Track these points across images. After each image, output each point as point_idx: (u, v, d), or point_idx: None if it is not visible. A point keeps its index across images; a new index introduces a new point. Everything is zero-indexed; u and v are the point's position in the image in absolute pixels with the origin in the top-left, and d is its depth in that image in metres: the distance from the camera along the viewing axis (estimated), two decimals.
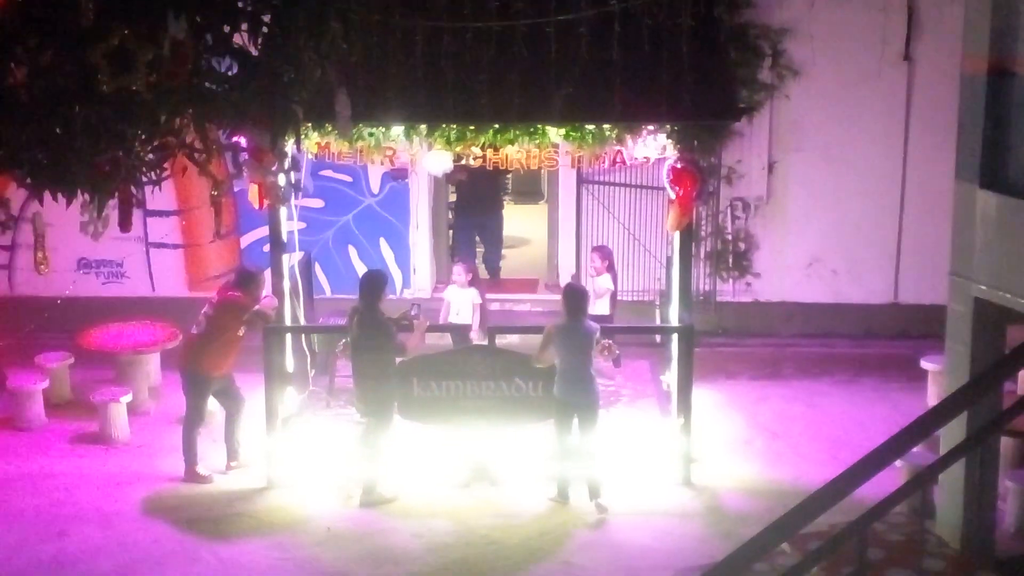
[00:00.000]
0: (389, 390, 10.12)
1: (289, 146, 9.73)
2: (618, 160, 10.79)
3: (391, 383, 10.12)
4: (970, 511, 8.60)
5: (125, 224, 7.20)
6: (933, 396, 12.18)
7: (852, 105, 14.56)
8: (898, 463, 9.14)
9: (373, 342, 10.00)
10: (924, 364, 12.44)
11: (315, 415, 11.36)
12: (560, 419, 10.10)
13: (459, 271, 12.49)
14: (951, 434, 8.11)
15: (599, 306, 12.09)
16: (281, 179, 10.14)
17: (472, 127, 10.34)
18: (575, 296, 10.15)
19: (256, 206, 10.52)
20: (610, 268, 12.51)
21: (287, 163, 10.22)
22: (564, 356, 9.96)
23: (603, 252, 12.70)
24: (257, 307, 10.71)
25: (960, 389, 7.73)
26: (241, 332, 10.73)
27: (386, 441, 10.18)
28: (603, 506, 10.04)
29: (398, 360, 10.24)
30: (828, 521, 7.45)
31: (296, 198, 10.88)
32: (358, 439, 10.26)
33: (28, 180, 6.44)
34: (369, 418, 10.14)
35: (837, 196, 14.82)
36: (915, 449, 8.47)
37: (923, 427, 7.19)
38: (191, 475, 10.70)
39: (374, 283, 10.23)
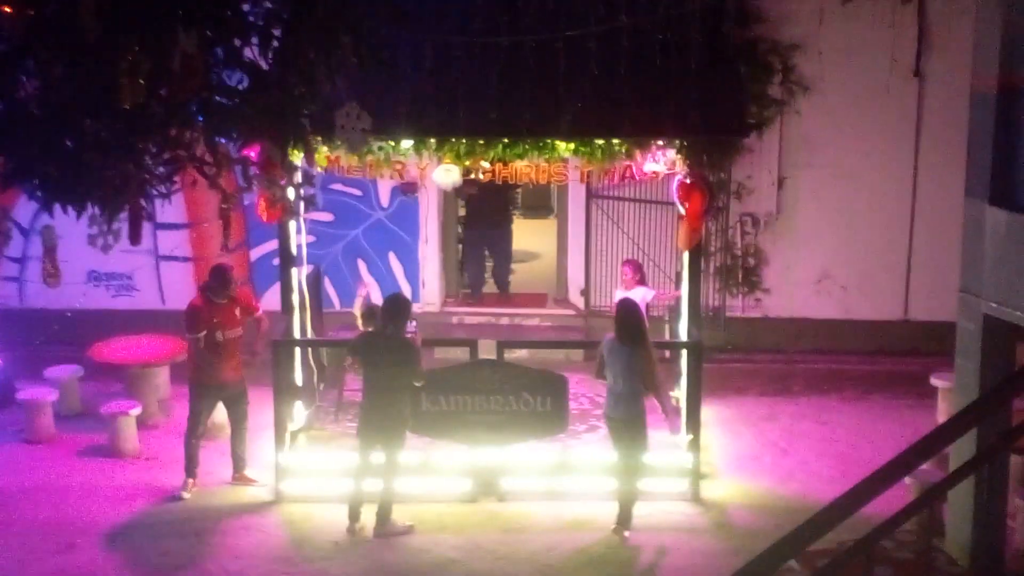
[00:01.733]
0: (406, 416, 9.96)
1: (299, 160, 9.75)
2: (627, 175, 10.80)
3: (407, 409, 9.96)
4: (979, 529, 8.57)
5: (135, 237, 7.22)
6: (943, 413, 12.15)
7: (862, 121, 14.56)
8: (907, 480, 9.09)
9: (397, 368, 9.75)
10: (934, 381, 12.40)
11: (323, 429, 11.37)
12: (611, 437, 10.07)
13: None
14: (960, 451, 8.08)
15: None
16: (290, 193, 10.15)
17: (482, 141, 10.37)
18: (622, 313, 10.03)
19: (264, 219, 10.55)
20: (641, 281, 12.44)
21: (298, 177, 10.25)
22: (610, 374, 9.91)
23: (634, 265, 12.67)
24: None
25: (969, 406, 7.71)
26: (198, 335, 10.59)
27: (399, 467, 10.02)
28: (625, 537, 9.91)
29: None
30: (836, 538, 7.43)
31: (307, 212, 10.90)
32: (361, 466, 9.99)
33: (39, 193, 6.46)
34: (384, 444, 9.88)
35: (847, 212, 14.82)
36: (924, 466, 8.43)
37: (932, 444, 7.16)
38: (184, 483, 10.74)
39: (400, 306, 9.96)
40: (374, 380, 9.84)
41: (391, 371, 9.77)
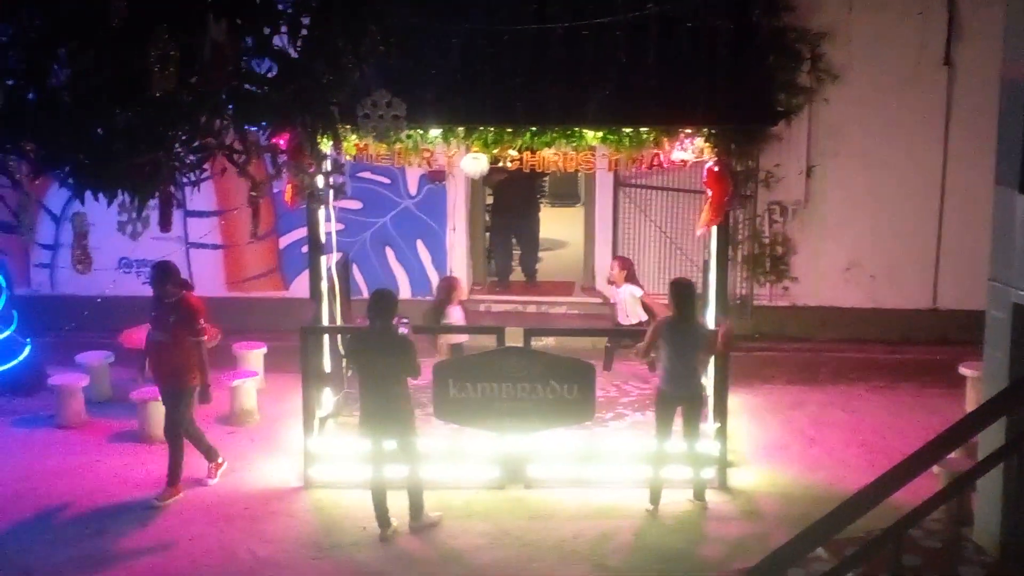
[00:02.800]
0: (409, 406, 9.80)
1: (328, 147, 9.78)
2: (655, 163, 10.79)
3: (409, 401, 9.82)
4: (1008, 518, 8.53)
5: (165, 224, 7.28)
6: (971, 402, 12.10)
7: (891, 110, 14.49)
8: (935, 469, 9.08)
9: (390, 364, 9.58)
10: (962, 370, 12.36)
11: (351, 415, 11.41)
12: (661, 414, 10.16)
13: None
14: (989, 440, 8.05)
15: (637, 313, 12.36)
16: (319, 180, 10.18)
17: (509, 130, 10.36)
18: (685, 292, 10.11)
19: (289, 205, 10.57)
20: (629, 278, 12.54)
21: (327, 165, 10.27)
22: (673, 352, 9.98)
23: (623, 261, 12.78)
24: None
25: (998, 395, 7.69)
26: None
27: (419, 456, 9.93)
28: (705, 504, 10.23)
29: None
30: (864, 526, 7.43)
31: (336, 200, 10.93)
32: (375, 466, 9.80)
33: (70, 180, 6.52)
34: (396, 438, 9.76)
35: (876, 201, 14.76)
36: (952, 455, 8.42)
37: (961, 433, 7.17)
38: (209, 470, 10.78)
39: (387, 302, 9.75)
40: (369, 379, 9.69)
41: (384, 368, 9.59)
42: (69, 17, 5.89)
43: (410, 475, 9.84)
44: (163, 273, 10.40)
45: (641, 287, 12.60)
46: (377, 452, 9.75)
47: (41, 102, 6.17)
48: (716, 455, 10.59)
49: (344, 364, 11.52)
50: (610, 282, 12.84)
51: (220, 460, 10.79)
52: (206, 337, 10.45)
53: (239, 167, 7.07)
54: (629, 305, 12.47)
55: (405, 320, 9.97)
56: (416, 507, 9.83)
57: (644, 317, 12.31)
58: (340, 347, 11.39)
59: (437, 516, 9.96)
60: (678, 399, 10.08)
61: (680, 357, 9.97)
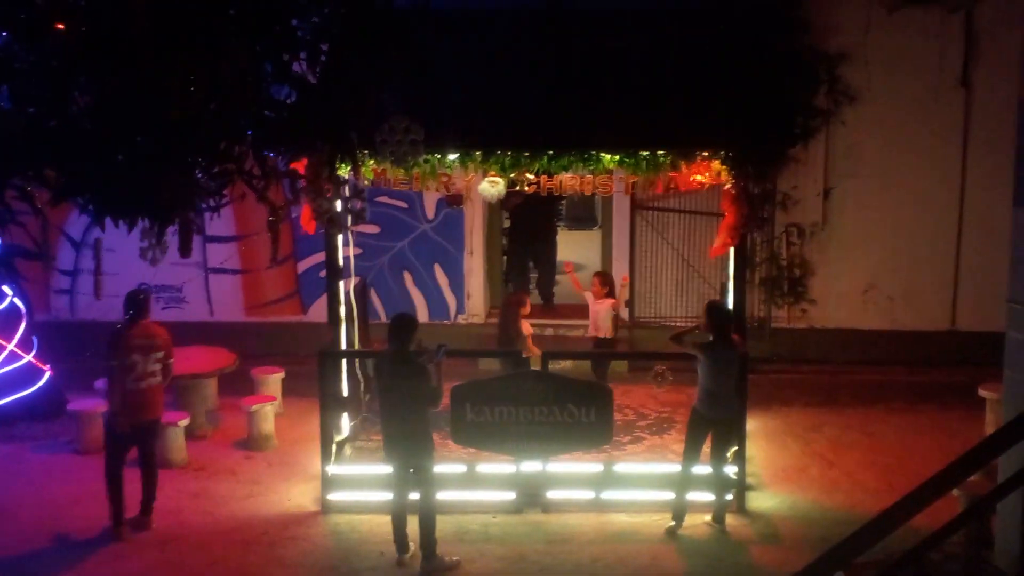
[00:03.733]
0: (428, 435, 9.57)
1: (346, 172, 9.82)
2: (672, 186, 10.80)
3: (430, 428, 9.60)
4: None
5: (185, 250, 7.33)
6: (991, 424, 12.04)
7: (909, 131, 14.50)
8: (955, 492, 9.03)
9: (408, 384, 9.38)
10: (982, 392, 12.30)
11: (369, 440, 11.43)
12: (693, 434, 10.15)
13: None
14: (1009, 463, 8.01)
15: (607, 328, 12.67)
16: (337, 205, 10.22)
17: (527, 153, 10.40)
18: (722, 315, 10.17)
19: (309, 231, 10.63)
20: (609, 294, 12.64)
21: (346, 190, 10.31)
22: (711, 375, 10.00)
23: (603, 277, 12.89)
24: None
25: (1018, 417, 7.64)
26: (116, 363, 10.01)
27: (434, 491, 9.68)
28: (725, 528, 10.19)
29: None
30: (884, 550, 7.40)
31: (355, 225, 10.97)
32: (398, 489, 9.67)
33: (90, 207, 6.56)
34: (414, 467, 9.57)
35: (894, 222, 14.75)
36: (972, 478, 8.38)
37: (980, 455, 7.13)
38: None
39: (404, 325, 9.53)
40: (386, 402, 9.54)
41: (400, 392, 9.43)
42: (92, 44, 5.95)
43: (423, 502, 9.59)
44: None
45: (615, 303, 12.72)
46: (399, 476, 9.65)
47: (62, 129, 6.23)
48: (734, 478, 10.56)
49: (362, 389, 11.54)
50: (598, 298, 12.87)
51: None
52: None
53: (258, 192, 7.12)
54: (602, 318, 12.64)
55: (443, 345, 9.73)
56: (427, 539, 9.53)
57: (612, 333, 12.67)
58: (358, 371, 11.41)
59: (456, 560, 9.62)
60: (713, 422, 10.07)
61: (718, 378, 9.98)
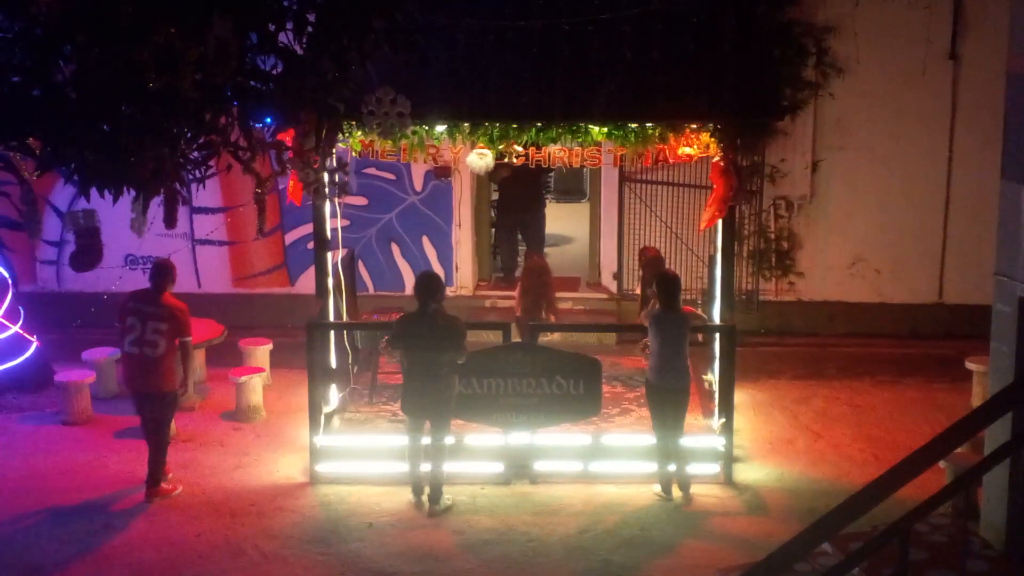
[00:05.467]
0: (453, 394, 10.04)
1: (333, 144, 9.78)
2: (661, 158, 10.79)
3: (454, 388, 10.03)
4: (1014, 513, 8.51)
5: (170, 221, 7.29)
6: (977, 397, 12.09)
7: (897, 103, 14.49)
8: (941, 464, 9.07)
9: (441, 347, 9.76)
10: (968, 364, 12.35)
11: (357, 411, 11.43)
12: (654, 408, 10.22)
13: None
14: (995, 435, 8.04)
15: None
16: (324, 176, 10.18)
17: (515, 125, 10.37)
18: (669, 283, 10.20)
19: (296, 203, 10.61)
20: None
21: (332, 161, 10.27)
22: (660, 343, 10.04)
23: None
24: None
25: (1004, 390, 7.66)
26: (117, 324, 10.24)
27: (446, 447, 10.17)
28: (689, 498, 10.22)
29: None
30: (870, 521, 7.43)
31: (339, 197, 10.94)
32: (413, 445, 10.15)
33: (75, 177, 6.52)
34: (433, 422, 9.99)
35: (881, 195, 14.75)
36: (959, 450, 8.41)
37: (967, 428, 7.14)
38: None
39: (436, 283, 9.95)
40: (417, 362, 9.84)
41: (435, 351, 9.77)
42: (76, 12, 5.90)
43: (436, 454, 10.05)
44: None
45: None
46: (413, 426, 10.08)
47: (47, 98, 6.18)
48: (722, 450, 10.59)
49: (350, 360, 11.53)
50: None
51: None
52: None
53: (244, 164, 7.08)
54: None
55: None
56: (436, 489, 10.03)
57: None
58: (346, 343, 11.41)
59: (449, 500, 10.11)
60: (663, 391, 10.11)
61: (664, 347, 10.02)
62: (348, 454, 10.70)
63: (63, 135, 6.26)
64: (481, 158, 10.96)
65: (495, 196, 16.68)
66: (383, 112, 8.32)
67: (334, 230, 11.12)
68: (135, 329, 10.09)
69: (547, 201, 18.00)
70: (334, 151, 10.13)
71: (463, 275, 15.35)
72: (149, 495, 10.30)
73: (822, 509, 7.11)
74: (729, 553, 9.31)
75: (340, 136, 8.16)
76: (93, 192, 6.56)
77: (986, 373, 9.88)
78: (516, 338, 10.87)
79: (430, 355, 9.78)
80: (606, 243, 15.30)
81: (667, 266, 13.25)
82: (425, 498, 10.10)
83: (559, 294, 14.97)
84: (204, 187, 7.35)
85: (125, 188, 6.54)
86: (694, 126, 10.54)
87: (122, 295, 10.41)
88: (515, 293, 12.99)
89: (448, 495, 10.14)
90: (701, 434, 10.77)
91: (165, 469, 10.48)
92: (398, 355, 10.38)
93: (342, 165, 9.95)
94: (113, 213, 8.08)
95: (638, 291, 13.19)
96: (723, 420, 10.60)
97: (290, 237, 15.28)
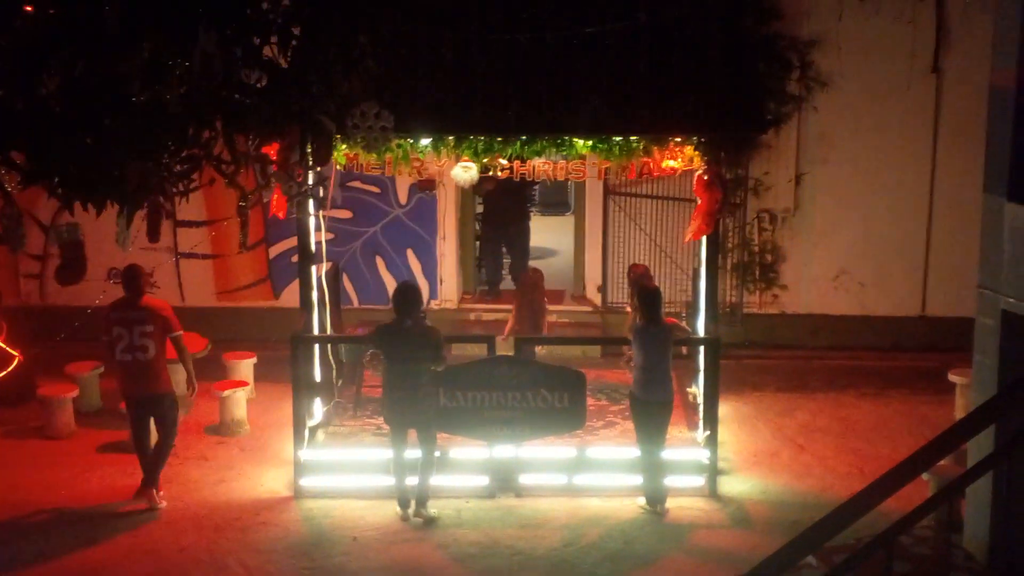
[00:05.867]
0: (436, 404, 10.13)
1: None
2: (645, 171, 10.81)
3: (437, 398, 10.13)
4: (997, 525, 8.55)
5: (154, 235, 7.27)
6: (960, 409, 12.13)
7: (880, 117, 14.55)
8: (925, 476, 9.10)
9: (419, 358, 9.87)
10: (952, 377, 12.40)
11: (341, 425, 11.41)
12: (638, 420, 10.22)
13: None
14: (978, 447, 8.07)
15: None
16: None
17: (500, 138, 10.39)
18: (649, 296, 10.20)
19: (280, 216, 10.61)
20: None
21: (315, 176, 10.27)
22: (643, 356, 10.06)
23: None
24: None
25: (987, 402, 7.70)
26: (104, 337, 10.36)
27: (435, 449, 10.26)
28: (663, 511, 10.21)
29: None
30: (855, 533, 7.44)
31: (325, 210, 10.94)
32: (398, 457, 10.20)
33: (59, 191, 6.50)
34: (420, 430, 10.10)
35: (865, 208, 14.80)
36: (942, 462, 8.44)
37: (950, 440, 7.17)
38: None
39: (413, 295, 10.05)
40: (397, 373, 9.93)
41: (412, 363, 9.87)
42: (61, 26, 5.89)
43: (424, 462, 10.16)
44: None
45: None
46: (397, 437, 10.15)
47: (30, 111, 6.15)
48: (706, 462, 10.59)
49: (334, 374, 11.51)
50: None
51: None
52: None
53: (227, 177, 7.06)
54: None
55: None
56: (423, 495, 10.13)
57: None
58: (331, 357, 11.39)
59: (435, 513, 10.16)
60: (647, 403, 10.11)
61: (647, 360, 10.05)
62: (332, 468, 10.68)
63: (47, 148, 6.24)
64: (466, 171, 10.96)
65: (480, 209, 16.68)
66: (367, 126, 8.33)
67: (318, 243, 11.11)
68: (123, 337, 10.14)
69: (532, 214, 17.98)
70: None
71: (448, 288, 15.34)
72: (140, 493, 10.30)
73: (806, 522, 7.12)
74: (713, 566, 9.33)
75: (324, 149, 8.14)
76: (76, 206, 6.54)
77: (969, 386, 9.93)
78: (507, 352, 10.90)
79: (408, 365, 9.88)
80: (591, 256, 15.31)
81: (652, 279, 13.26)
82: (411, 511, 10.12)
83: None
84: (188, 200, 7.32)
85: (109, 202, 6.52)
86: (678, 139, 10.56)
87: (104, 308, 10.43)
88: (511, 307, 13.00)
89: (434, 508, 10.14)
90: (685, 447, 10.78)
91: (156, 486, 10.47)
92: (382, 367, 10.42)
93: (322, 180, 9.98)
94: (96, 227, 8.06)
95: (624, 304, 13.21)
96: (707, 433, 10.61)
97: (274, 250, 15.26)
